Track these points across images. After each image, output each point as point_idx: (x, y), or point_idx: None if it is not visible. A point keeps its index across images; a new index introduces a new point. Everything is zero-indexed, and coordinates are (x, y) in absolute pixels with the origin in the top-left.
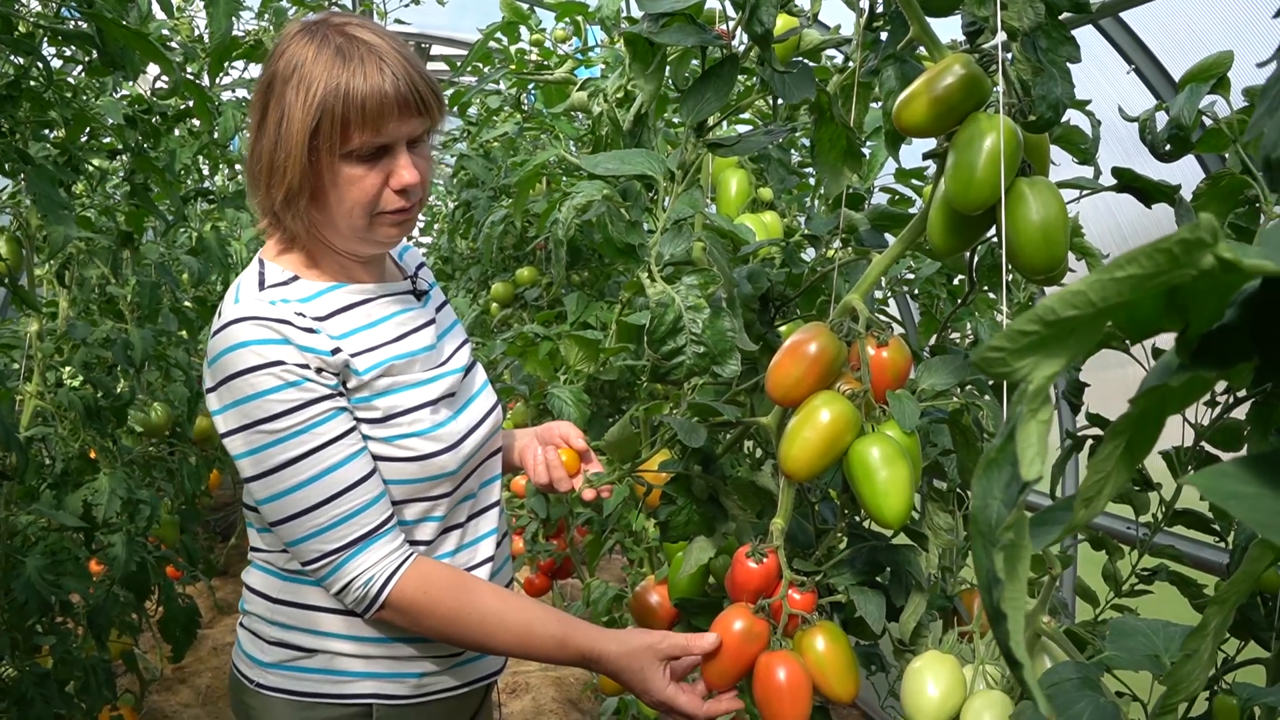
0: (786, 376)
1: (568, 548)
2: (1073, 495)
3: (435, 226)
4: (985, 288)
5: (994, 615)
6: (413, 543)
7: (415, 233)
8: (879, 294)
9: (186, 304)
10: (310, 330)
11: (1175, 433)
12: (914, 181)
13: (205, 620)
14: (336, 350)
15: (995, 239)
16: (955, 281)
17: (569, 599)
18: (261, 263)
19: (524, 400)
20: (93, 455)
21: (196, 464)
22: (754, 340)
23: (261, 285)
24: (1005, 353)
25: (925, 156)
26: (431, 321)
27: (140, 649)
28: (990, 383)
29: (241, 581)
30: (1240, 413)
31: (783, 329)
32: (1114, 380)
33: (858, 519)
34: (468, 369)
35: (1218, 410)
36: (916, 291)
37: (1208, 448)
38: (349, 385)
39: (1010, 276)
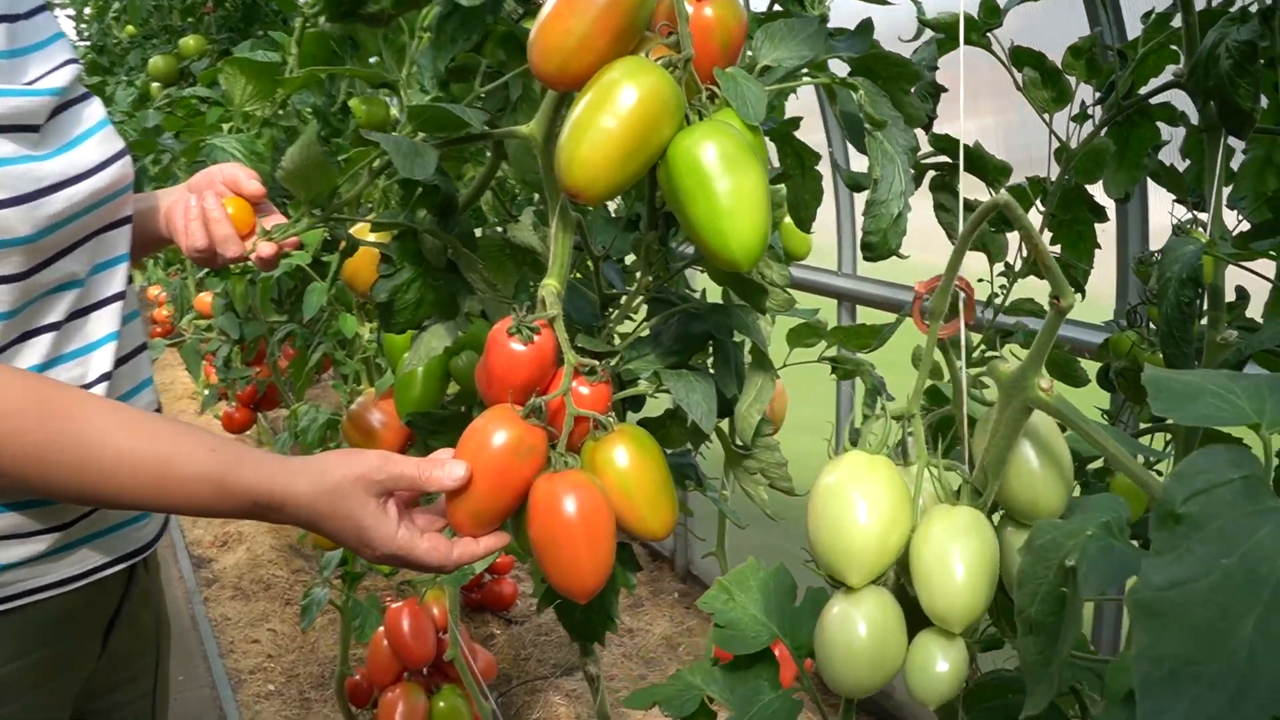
0: (564, 36)
1: (270, 373)
2: None
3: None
4: None
5: None
6: None
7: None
8: None
9: None
10: None
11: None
12: None
13: None
14: None
15: None
16: None
17: (280, 433)
18: None
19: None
20: None
21: None
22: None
23: None
24: None
25: None
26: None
27: None
28: (862, 60)
29: None
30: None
31: None
32: None
33: (663, 276)
34: (71, 100)
35: (1086, 126)
36: None
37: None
38: None
39: None
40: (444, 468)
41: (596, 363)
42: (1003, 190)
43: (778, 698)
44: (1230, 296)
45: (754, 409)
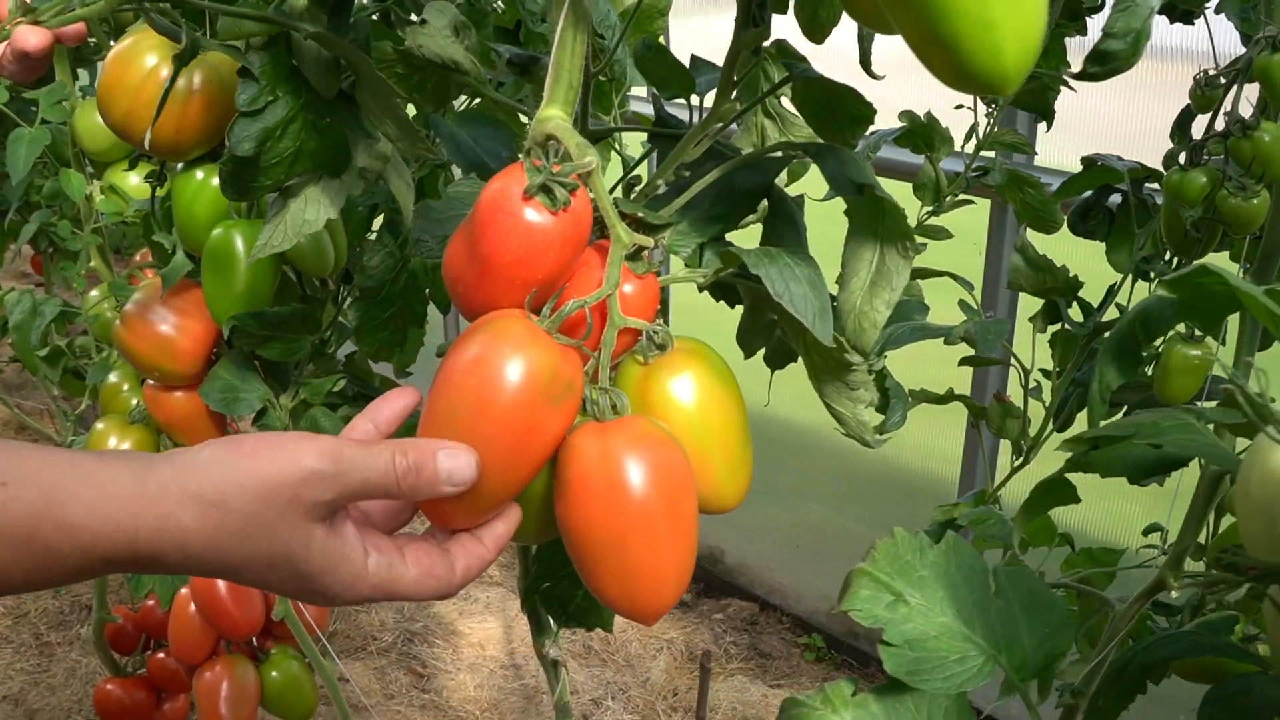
0: None
1: None
2: None
3: None
4: None
5: None
6: None
7: None
8: None
9: None
10: None
11: None
12: None
13: None
14: None
15: None
16: None
17: None
18: None
19: None
20: None
21: None
22: None
23: None
24: None
25: None
26: None
27: None
28: None
29: None
30: None
31: None
32: None
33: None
34: None
35: None
36: None
37: None
38: None
39: None
40: (438, 459)
41: (649, 241)
42: None
43: None
44: None
45: (877, 299)
